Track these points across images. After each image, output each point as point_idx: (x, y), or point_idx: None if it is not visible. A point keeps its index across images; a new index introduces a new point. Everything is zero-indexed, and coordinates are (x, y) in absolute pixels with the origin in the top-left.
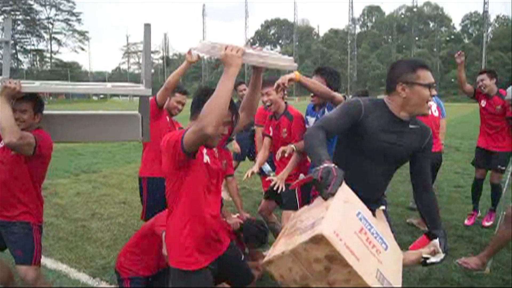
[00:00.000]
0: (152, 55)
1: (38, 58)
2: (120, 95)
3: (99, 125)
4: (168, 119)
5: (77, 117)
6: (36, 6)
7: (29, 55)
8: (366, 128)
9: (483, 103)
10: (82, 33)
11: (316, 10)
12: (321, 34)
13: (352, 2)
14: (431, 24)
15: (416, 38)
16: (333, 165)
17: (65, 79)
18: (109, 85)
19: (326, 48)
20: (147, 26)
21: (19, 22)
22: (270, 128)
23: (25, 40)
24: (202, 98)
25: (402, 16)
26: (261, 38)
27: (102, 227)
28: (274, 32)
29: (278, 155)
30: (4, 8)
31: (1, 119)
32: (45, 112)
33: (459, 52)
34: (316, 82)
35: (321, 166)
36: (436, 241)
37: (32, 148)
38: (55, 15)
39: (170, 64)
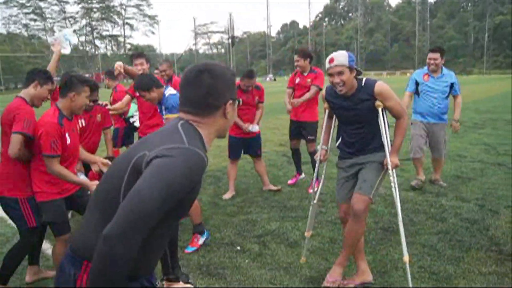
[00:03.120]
0: (222, 35)
1: (113, 43)
2: None
3: None
4: None
5: None
6: None
7: (105, 40)
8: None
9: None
10: (152, 17)
11: None
12: (393, 5)
13: None
14: None
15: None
16: None
17: None
18: None
19: (398, 19)
20: None
21: (95, 10)
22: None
23: (100, 26)
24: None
25: None
26: (330, 12)
27: None
28: (343, 5)
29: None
30: None
31: None
32: None
33: None
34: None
35: None
36: None
37: None
38: (127, 1)
39: (235, 43)
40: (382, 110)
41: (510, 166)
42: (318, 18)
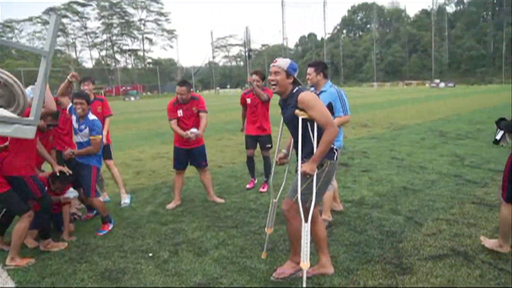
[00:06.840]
0: (240, 48)
1: (133, 57)
2: None
3: None
4: None
5: None
6: (129, 10)
7: (125, 54)
8: None
9: None
10: (170, 32)
11: None
12: (411, 15)
13: None
14: None
15: None
16: None
17: (156, 75)
18: None
19: (416, 30)
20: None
21: (115, 25)
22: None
23: (121, 41)
24: None
25: None
26: (348, 24)
27: None
28: (362, 17)
29: None
30: (103, 13)
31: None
32: None
33: None
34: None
35: None
36: None
37: None
38: (146, 16)
39: (252, 56)
40: (304, 119)
41: (466, 178)
42: (335, 30)
